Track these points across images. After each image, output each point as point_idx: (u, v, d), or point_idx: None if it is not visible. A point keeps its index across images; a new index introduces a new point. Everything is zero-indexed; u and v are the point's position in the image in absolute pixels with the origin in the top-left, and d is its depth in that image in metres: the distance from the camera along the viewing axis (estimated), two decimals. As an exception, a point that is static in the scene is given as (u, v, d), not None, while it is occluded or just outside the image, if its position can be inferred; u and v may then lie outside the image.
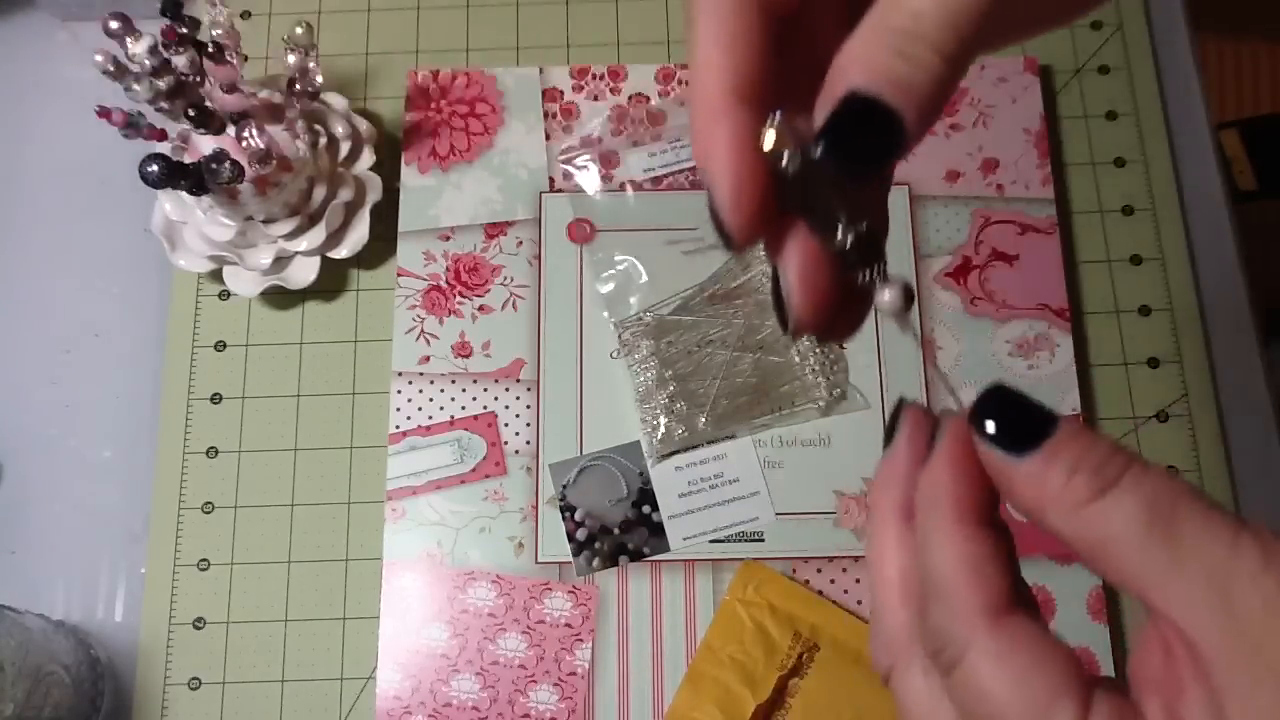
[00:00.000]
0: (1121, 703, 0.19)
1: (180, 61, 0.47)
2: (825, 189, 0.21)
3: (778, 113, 0.21)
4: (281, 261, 0.54)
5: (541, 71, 0.58)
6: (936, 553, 0.21)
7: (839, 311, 0.23)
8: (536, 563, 0.51)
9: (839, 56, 0.21)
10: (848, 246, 0.21)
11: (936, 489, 0.21)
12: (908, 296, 0.22)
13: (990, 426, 0.21)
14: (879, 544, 0.23)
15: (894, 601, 0.22)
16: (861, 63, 0.20)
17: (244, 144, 0.49)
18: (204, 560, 0.52)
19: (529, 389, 0.53)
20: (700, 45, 0.22)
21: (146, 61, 0.46)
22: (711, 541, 0.51)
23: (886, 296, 0.22)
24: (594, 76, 0.58)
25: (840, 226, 0.21)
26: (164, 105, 0.47)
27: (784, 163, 0.21)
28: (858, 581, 0.51)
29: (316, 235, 0.53)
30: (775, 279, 0.23)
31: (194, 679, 0.50)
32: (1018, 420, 0.20)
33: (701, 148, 0.22)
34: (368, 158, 0.55)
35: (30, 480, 0.54)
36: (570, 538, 0.51)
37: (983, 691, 0.19)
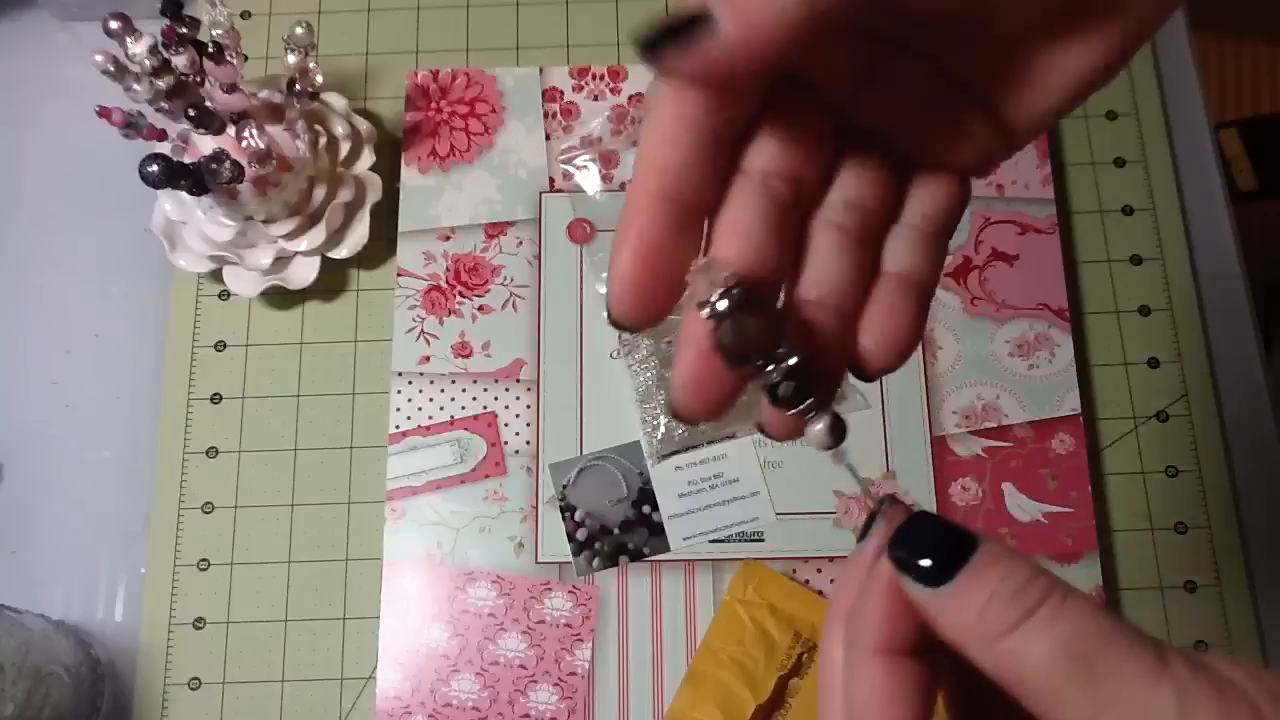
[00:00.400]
0: None
1: (180, 61, 0.47)
2: (753, 328, 0.21)
3: (702, 258, 0.21)
4: (281, 261, 0.54)
5: (541, 71, 0.58)
6: (853, 681, 0.21)
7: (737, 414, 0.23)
8: (536, 563, 0.51)
9: None
10: (776, 387, 0.21)
11: (862, 617, 0.21)
12: (837, 433, 0.21)
13: (907, 558, 0.20)
14: (829, 644, 0.22)
15: (836, 705, 0.22)
16: None
17: (244, 144, 0.49)
18: (204, 560, 0.52)
19: (529, 389, 0.53)
20: (645, 141, 0.22)
21: (146, 61, 0.46)
22: (711, 541, 0.51)
23: (817, 428, 0.21)
24: (594, 76, 0.58)
25: (770, 366, 0.21)
26: (164, 105, 0.47)
27: (711, 301, 0.21)
28: (858, 581, 0.51)
29: (316, 235, 0.53)
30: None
31: (194, 679, 0.50)
32: (936, 550, 0.20)
33: (616, 237, 0.22)
34: (368, 158, 0.55)
35: (30, 480, 0.54)
36: (570, 538, 0.51)
37: None
